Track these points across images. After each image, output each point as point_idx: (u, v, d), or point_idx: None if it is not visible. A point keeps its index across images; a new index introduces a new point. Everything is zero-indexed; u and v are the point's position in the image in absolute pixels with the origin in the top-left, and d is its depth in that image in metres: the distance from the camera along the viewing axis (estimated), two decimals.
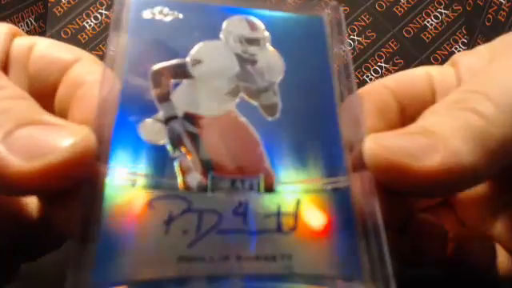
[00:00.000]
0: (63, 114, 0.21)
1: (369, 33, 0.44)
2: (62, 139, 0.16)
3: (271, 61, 0.20)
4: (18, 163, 0.15)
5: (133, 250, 0.15)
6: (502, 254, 0.24)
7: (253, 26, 0.21)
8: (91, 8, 0.46)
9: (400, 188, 0.18)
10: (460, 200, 0.25)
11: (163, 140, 0.17)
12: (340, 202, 0.18)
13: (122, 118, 0.18)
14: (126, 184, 0.16)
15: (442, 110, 0.19)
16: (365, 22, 0.44)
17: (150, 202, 0.16)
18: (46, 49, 0.22)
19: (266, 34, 0.21)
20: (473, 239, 0.23)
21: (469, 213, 0.25)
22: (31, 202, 0.21)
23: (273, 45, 0.21)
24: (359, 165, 0.18)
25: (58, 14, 0.46)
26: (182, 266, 0.15)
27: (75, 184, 0.16)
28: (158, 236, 0.16)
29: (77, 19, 0.46)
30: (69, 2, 0.47)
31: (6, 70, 0.22)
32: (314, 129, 0.19)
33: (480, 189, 0.24)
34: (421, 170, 0.17)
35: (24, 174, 0.15)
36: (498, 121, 0.17)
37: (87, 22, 0.46)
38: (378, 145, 0.17)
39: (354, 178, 0.18)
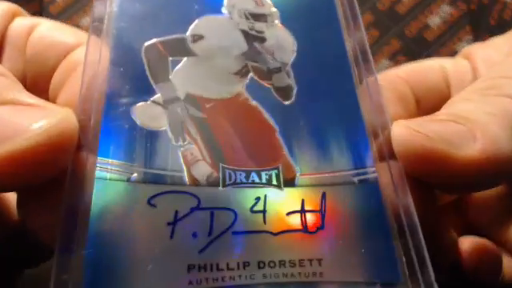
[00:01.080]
0: (54, 98, 0.18)
1: (371, 31, 0.43)
2: (34, 121, 0.13)
3: (281, 39, 0.18)
4: None
5: (130, 260, 0.12)
6: (507, 260, 0.22)
7: (259, 0, 0.19)
8: (87, 7, 0.43)
9: (435, 180, 0.16)
10: (471, 202, 0.24)
11: (163, 126, 0.15)
12: (370, 197, 0.15)
13: (112, 100, 0.15)
14: (119, 178, 0.13)
15: (473, 96, 0.17)
16: (367, 20, 0.43)
17: (150, 200, 0.13)
18: (47, 31, 0.19)
19: (274, 9, 0.19)
20: (482, 252, 0.21)
21: (480, 216, 0.24)
22: (14, 200, 0.18)
23: (282, 22, 0.18)
24: (385, 154, 0.16)
25: (53, 13, 0.43)
26: (194, 277, 0.12)
27: (54, 177, 0.13)
28: (161, 241, 0.13)
29: (72, 17, 0.43)
30: (64, 1, 0.43)
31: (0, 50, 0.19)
32: (335, 114, 0.17)
33: (492, 191, 0.23)
34: (462, 159, 0.15)
35: None
36: None
37: (84, 19, 0.43)
38: (411, 130, 0.15)
39: (382, 168, 0.16)
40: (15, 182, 0.13)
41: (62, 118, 0.13)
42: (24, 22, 0.20)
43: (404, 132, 0.15)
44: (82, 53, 0.19)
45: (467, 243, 0.22)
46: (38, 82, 0.19)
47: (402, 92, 0.22)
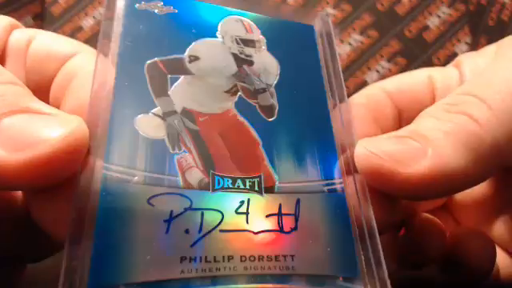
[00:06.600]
0: (57, 107, 0.19)
1: (370, 32, 0.43)
2: (52, 129, 0.14)
3: (267, 63, 0.20)
4: (3, 155, 0.14)
5: (131, 251, 0.14)
6: (501, 256, 0.23)
7: (248, 28, 0.21)
8: (88, 7, 0.44)
9: (389, 191, 0.18)
10: (458, 201, 0.25)
11: (162, 135, 0.17)
12: (337, 204, 0.18)
13: (118, 111, 0.17)
14: (122, 180, 0.15)
15: (437, 112, 0.19)
16: (366, 21, 0.43)
17: (149, 200, 0.15)
18: (45, 42, 0.21)
19: (261, 36, 0.21)
20: (471, 237, 0.22)
21: (467, 214, 0.25)
22: (18, 196, 0.19)
23: (268, 48, 0.21)
24: (351, 168, 0.19)
25: (55, 14, 0.43)
26: (185, 267, 0.15)
27: (66, 179, 0.15)
28: (158, 235, 0.15)
29: (74, 18, 0.43)
30: (66, 2, 0.44)
31: (1, 62, 0.20)
32: (310, 131, 0.19)
33: (479, 189, 0.23)
34: (407, 176, 0.17)
35: (9, 167, 0.14)
36: (491, 125, 0.17)
37: (86, 21, 0.43)
38: (367, 150, 0.18)
39: (348, 180, 0.19)
40: (34, 183, 0.14)
41: (76, 126, 0.15)
42: (22, 34, 0.21)
43: (363, 151, 0.18)
44: (78, 61, 0.20)
45: (456, 233, 0.22)
46: (39, 91, 0.20)
47: (380, 110, 0.23)
